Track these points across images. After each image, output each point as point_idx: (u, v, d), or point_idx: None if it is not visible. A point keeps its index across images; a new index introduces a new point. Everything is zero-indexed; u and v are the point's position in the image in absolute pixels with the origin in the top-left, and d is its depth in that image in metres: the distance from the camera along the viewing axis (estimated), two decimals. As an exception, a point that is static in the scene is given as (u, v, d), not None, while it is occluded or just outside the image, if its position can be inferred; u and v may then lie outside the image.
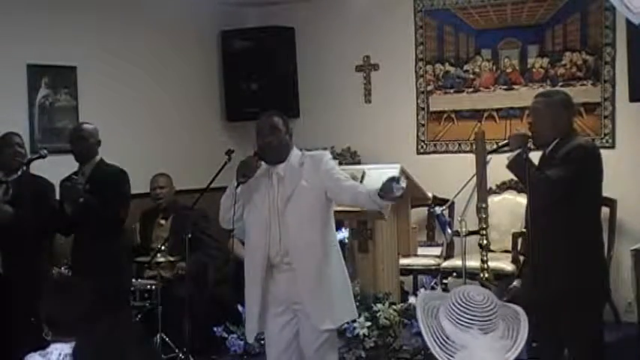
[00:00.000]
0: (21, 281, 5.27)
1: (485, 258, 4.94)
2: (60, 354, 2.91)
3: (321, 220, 4.28)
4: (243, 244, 6.72)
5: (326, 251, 4.29)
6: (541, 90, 6.04)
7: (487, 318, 2.43)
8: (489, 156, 4.75)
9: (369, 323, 5.55)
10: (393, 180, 4.02)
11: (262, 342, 5.34)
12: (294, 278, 4.25)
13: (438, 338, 2.46)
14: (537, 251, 4.32)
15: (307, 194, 4.25)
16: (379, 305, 5.63)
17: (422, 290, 6.31)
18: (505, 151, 4.46)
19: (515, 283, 4.53)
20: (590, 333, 4.33)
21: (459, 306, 2.44)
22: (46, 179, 5.60)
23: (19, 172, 5.52)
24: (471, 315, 2.43)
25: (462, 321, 2.43)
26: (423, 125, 7.92)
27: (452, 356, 2.43)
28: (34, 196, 5.41)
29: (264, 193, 4.32)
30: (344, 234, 6.04)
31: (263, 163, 4.31)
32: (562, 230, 4.27)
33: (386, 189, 4.05)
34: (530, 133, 4.41)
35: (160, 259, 6.10)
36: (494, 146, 4.77)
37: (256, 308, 4.34)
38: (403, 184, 4.00)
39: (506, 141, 4.48)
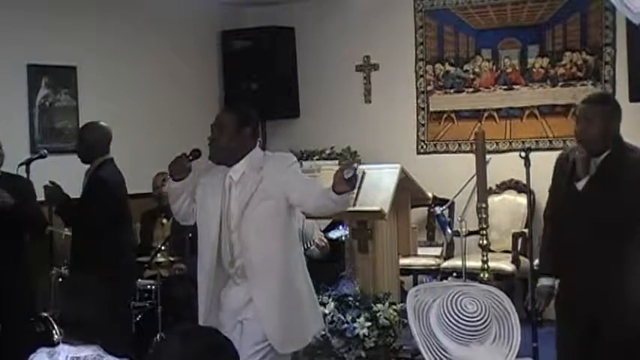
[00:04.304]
0: (7, 280, 5.20)
1: (485, 258, 4.95)
2: (67, 356, 2.89)
3: (282, 229, 3.80)
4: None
5: (288, 265, 3.82)
6: (589, 94, 5.23)
7: (482, 328, 2.40)
8: (489, 156, 4.75)
9: (369, 323, 5.53)
10: (340, 170, 3.59)
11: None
12: (250, 293, 3.79)
13: (436, 352, 2.42)
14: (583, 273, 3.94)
15: (267, 201, 3.77)
16: (379, 305, 5.61)
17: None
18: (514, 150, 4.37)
19: (544, 281, 4.12)
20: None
21: (452, 319, 2.40)
22: (25, 178, 5.46)
23: None
24: (467, 329, 2.39)
25: (459, 335, 2.39)
26: (423, 125, 7.92)
27: None
28: (19, 195, 5.34)
29: (217, 198, 3.86)
30: (342, 232, 6.05)
31: (221, 165, 3.94)
32: (619, 254, 3.91)
33: (335, 179, 3.58)
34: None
35: (160, 259, 6.10)
36: (495, 147, 4.72)
37: (203, 315, 3.90)
38: (355, 165, 3.63)
39: None
